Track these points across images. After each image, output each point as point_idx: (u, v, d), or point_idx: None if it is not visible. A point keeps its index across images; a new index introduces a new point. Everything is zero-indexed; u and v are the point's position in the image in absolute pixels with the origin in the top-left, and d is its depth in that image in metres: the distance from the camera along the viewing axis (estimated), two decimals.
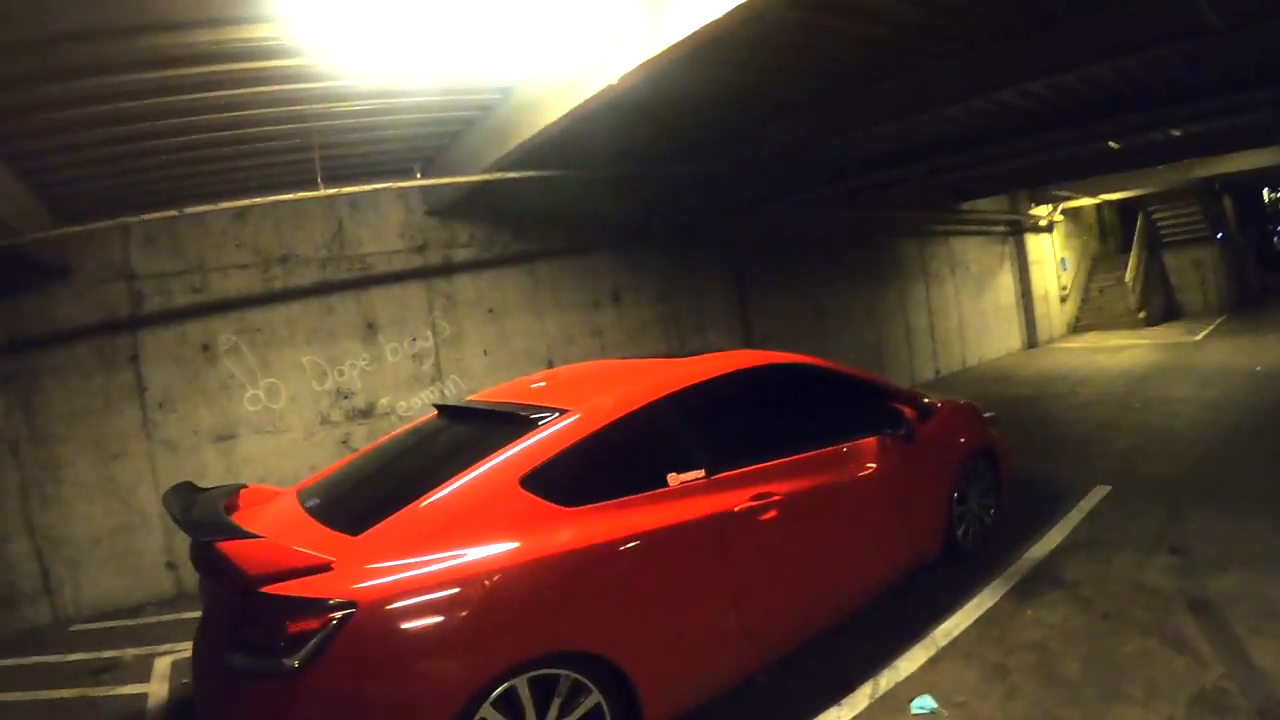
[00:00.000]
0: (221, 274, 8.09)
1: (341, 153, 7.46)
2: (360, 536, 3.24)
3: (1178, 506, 6.25)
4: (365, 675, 2.92)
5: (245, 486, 4.37)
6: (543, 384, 4.81)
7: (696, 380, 4.28)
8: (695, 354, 5.04)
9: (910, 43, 6.63)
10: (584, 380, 4.81)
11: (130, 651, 6.36)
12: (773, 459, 4.20)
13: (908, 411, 4.91)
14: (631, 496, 3.65)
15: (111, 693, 5.63)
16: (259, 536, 3.13)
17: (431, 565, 3.11)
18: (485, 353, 9.23)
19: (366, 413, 8.60)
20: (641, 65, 4.86)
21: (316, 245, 8.46)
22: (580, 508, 3.50)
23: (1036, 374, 13.77)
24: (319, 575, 2.99)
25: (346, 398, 8.52)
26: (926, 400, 5.56)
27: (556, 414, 3.83)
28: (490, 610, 3.13)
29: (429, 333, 8.94)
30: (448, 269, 9.09)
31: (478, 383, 8.82)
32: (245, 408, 8.12)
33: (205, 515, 3.58)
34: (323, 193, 7.18)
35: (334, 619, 2.88)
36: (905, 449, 4.88)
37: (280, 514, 3.91)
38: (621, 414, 3.87)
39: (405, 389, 8.77)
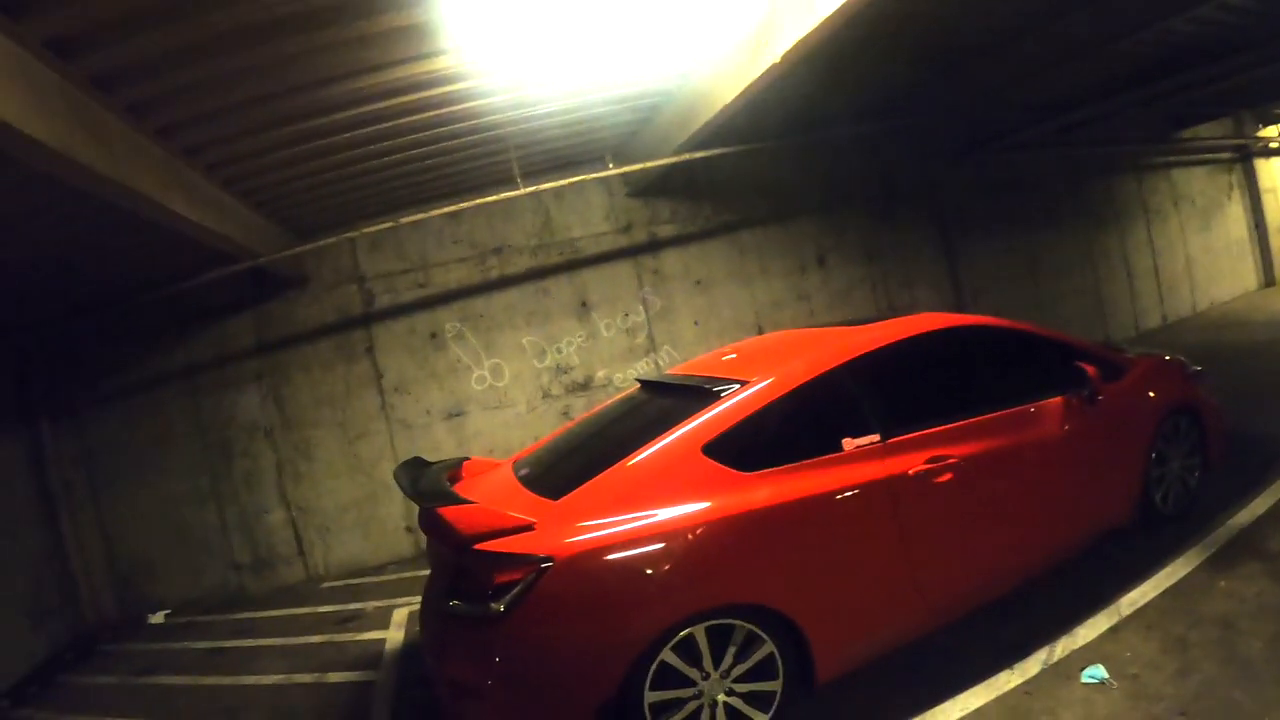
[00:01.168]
0: (442, 269, 8.68)
1: (537, 150, 7.85)
2: (560, 501, 3.61)
3: None
4: (560, 619, 3.30)
5: (468, 459, 4.91)
6: (733, 356, 4.92)
7: (871, 348, 4.29)
8: (885, 318, 4.96)
9: None
10: (769, 351, 4.88)
11: (372, 604, 7.08)
12: (949, 422, 4.17)
13: (1090, 370, 4.62)
14: (806, 461, 3.78)
15: (354, 638, 6.29)
16: (472, 503, 3.56)
17: (620, 525, 3.42)
18: (696, 323, 9.37)
19: (584, 385, 8.97)
20: (800, 41, 4.86)
21: (527, 234, 8.91)
22: (758, 472, 3.68)
23: (1270, 318, 12.45)
24: (522, 534, 3.38)
25: (565, 372, 8.94)
26: (1119, 357, 5.27)
27: (736, 386, 4.03)
28: (671, 565, 3.40)
29: (640, 307, 9.20)
30: (653, 245, 9.29)
31: (690, 352, 8.98)
32: (472, 387, 8.72)
33: (429, 485, 4.01)
34: (521, 191, 7.68)
35: (533, 571, 3.27)
36: (1091, 409, 4.64)
37: (495, 482, 4.35)
38: (795, 385, 3.99)
39: (620, 361, 9.07)
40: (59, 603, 7.58)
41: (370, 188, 7.62)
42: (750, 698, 3.55)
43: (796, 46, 4.91)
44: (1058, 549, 4.61)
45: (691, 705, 3.45)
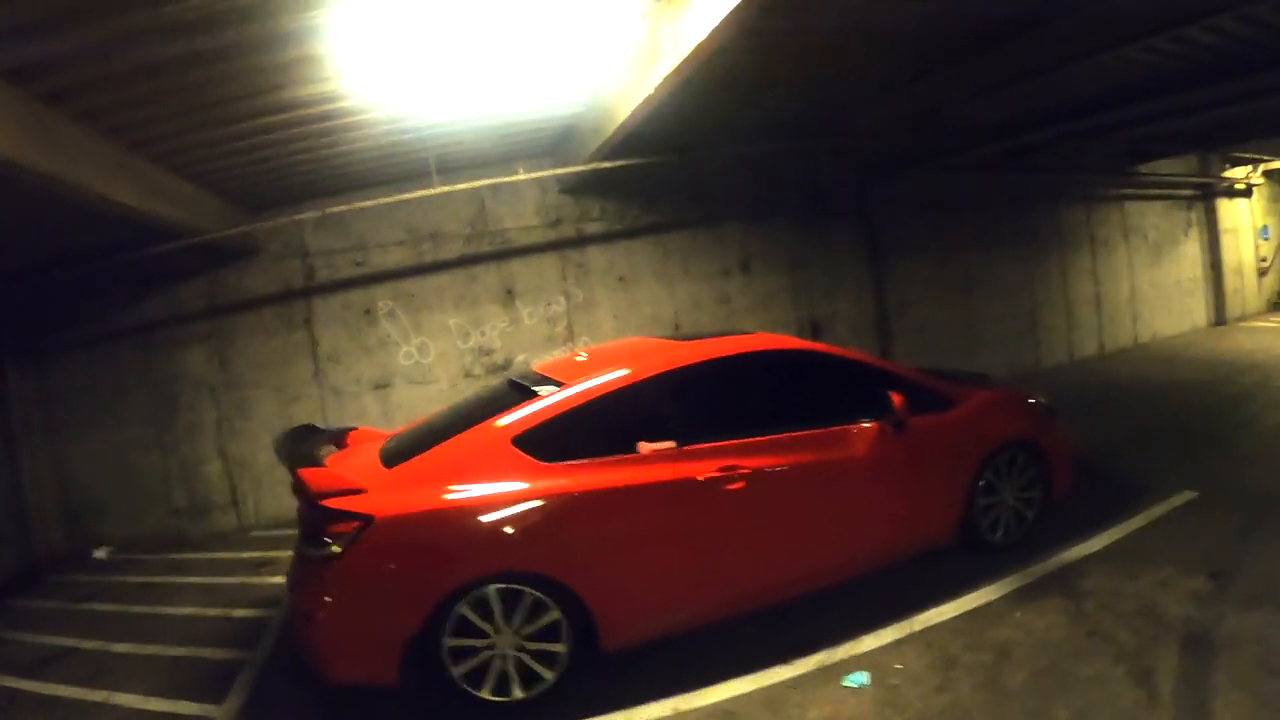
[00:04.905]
0: (380, 250, 9.31)
1: (463, 150, 8.42)
2: (392, 470, 4.36)
3: (1256, 526, 5.49)
4: (377, 565, 4.01)
5: (355, 429, 5.65)
6: (584, 358, 5.42)
7: (681, 364, 4.82)
8: (732, 333, 5.55)
9: None
10: (610, 357, 5.25)
11: (288, 553, 7.63)
12: (747, 437, 4.61)
13: (896, 399, 4.86)
14: (603, 458, 4.35)
15: (263, 581, 7.01)
16: (325, 467, 4.36)
17: (433, 496, 4.14)
18: (615, 317, 9.93)
19: (504, 368, 9.53)
20: (668, 77, 5.42)
21: (461, 223, 9.50)
22: (557, 464, 4.28)
23: (1205, 356, 12.57)
24: (356, 496, 4.09)
25: (487, 354, 9.55)
26: (951, 388, 5.53)
27: (554, 388, 4.63)
28: (468, 533, 4.10)
29: (562, 298, 9.78)
30: (580, 241, 9.84)
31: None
32: (399, 362, 9.37)
33: (297, 450, 4.65)
34: (459, 186, 8.49)
35: (358, 526, 3.98)
36: (900, 435, 4.94)
37: (361, 452, 5.04)
38: (603, 391, 4.57)
39: (539, 348, 9.62)
40: (12, 534, 8.20)
41: (313, 175, 8.20)
42: (539, 656, 4.14)
43: (668, 79, 5.47)
44: (858, 562, 4.99)
45: (485, 654, 4.06)
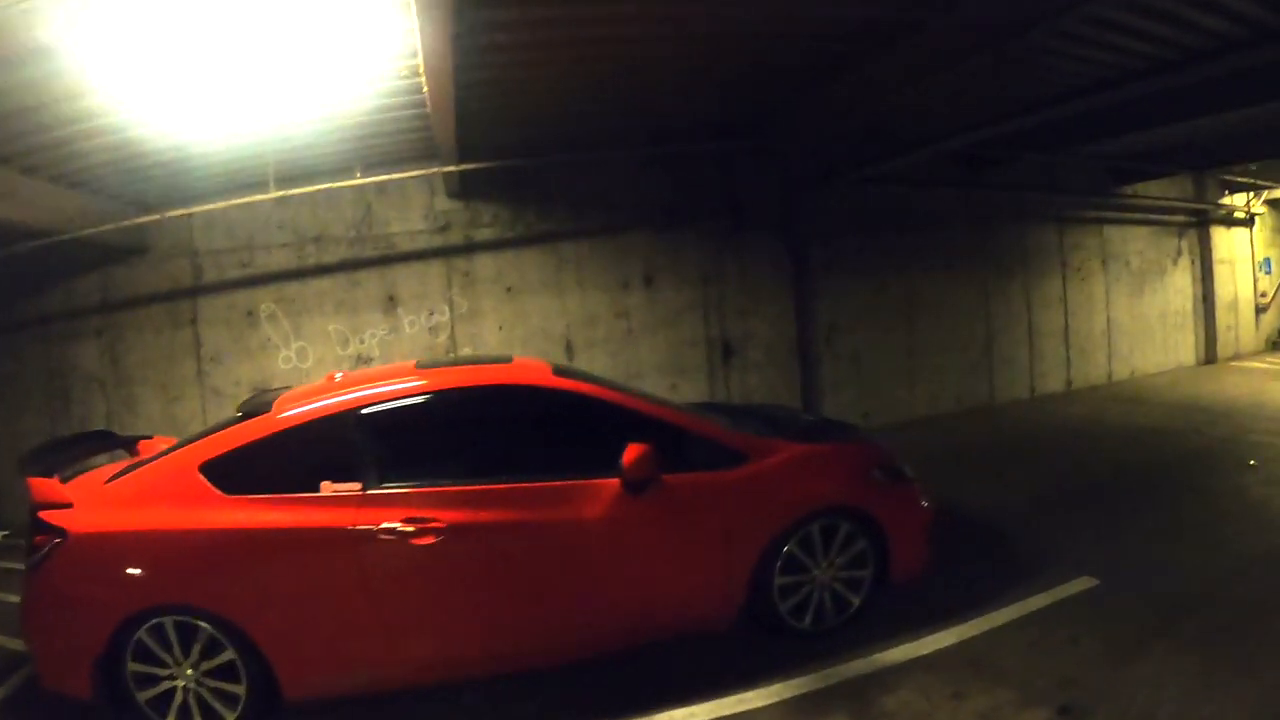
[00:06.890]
0: (265, 251, 9.28)
1: (340, 151, 8.29)
2: (106, 486, 4.32)
3: (1153, 639, 4.41)
4: (67, 580, 4.03)
5: (149, 437, 5.48)
6: (339, 378, 5.08)
7: (389, 397, 4.43)
8: (489, 361, 5.26)
9: None
10: (348, 385, 4.71)
11: None
12: (446, 485, 4.21)
13: (632, 452, 4.20)
14: (283, 495, 4.13)
15: None
16: (51, 479, 4.27)
17: (122, 516, 4.12)
18: (500, 329, 9.71)
19: None
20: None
21: (347, 226, 9.40)
22: (237, 497, 4.13)
23: (1181, 398, 11.58)
24: (62, 510, 4.10)
25: (365, 362, 9.41)
26: (746, 440, 4.80)
27: (261, 414, 4.41)
28: (144, 560, 4.05)
29: (446, 308, 9.61)
30: (469, 248, 9.65)
31: None
32: (279, 365, 9.32)
33: (34, 459, 4.54)
34: (347, 183, 8.55)
35: (54, 540, 4.02)
36: (647, 495, 4.31)
37: (112, 465, 4.91)
38: (295, 423, 4.30)
39: (420, 358, 9.38)
40: None
41: (187, 176, 8.20)
42: (219, 694, 4.05)
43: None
44: (585, 642, 4.46)
45: (166, 684, 4.03)
